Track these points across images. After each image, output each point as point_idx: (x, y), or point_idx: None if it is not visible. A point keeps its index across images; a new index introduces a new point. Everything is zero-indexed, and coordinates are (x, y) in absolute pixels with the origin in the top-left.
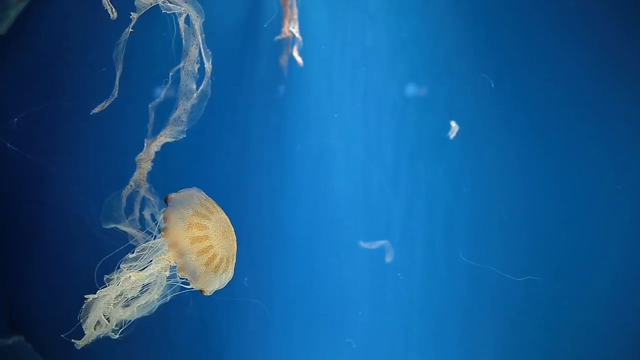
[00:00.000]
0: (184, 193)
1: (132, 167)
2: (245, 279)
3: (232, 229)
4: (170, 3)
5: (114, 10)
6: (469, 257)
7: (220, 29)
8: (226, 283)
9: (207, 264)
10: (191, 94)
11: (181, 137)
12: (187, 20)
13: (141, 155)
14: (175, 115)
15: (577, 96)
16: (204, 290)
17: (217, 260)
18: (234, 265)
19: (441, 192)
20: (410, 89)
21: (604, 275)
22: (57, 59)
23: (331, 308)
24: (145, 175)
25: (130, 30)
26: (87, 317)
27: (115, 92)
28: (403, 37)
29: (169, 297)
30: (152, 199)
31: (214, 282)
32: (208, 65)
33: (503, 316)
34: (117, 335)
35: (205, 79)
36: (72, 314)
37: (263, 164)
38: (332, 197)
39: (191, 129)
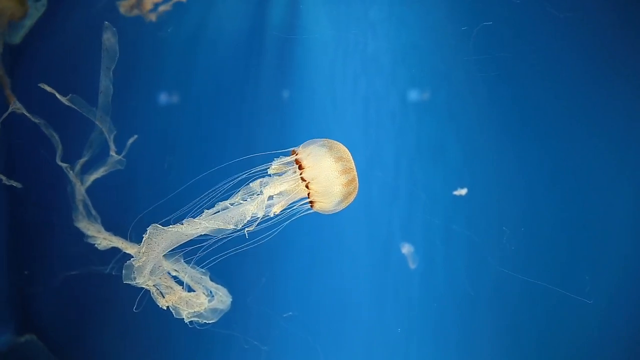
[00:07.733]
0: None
1: None
2: (286, 314)
3: None
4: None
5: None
6: (468, 258)
7: (225, 36)
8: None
9: (345, 185)
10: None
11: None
12: None
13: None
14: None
15: (575, 101)
16: (325, 208)
17: (352, 187)
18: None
19: (440, 195)
20: (410, 96)
21: (603, 275)
22: (69, 67)
23: (331, 309)
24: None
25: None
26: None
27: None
28: (403, 46)
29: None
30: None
31: (336, 207)
32: None
33: (503, 316)
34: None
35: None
36: (83, 313)
37: None
38: None
39: (195, 133)
